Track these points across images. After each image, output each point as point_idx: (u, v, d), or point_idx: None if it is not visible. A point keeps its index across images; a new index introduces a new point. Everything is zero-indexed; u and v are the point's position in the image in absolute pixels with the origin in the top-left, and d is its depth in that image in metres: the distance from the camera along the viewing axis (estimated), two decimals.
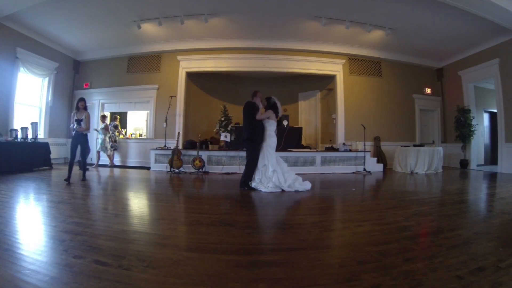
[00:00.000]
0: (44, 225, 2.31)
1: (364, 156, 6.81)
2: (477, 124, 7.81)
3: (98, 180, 5.36)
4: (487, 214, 3.02)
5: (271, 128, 4.29)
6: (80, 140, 4.83)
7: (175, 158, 6.37)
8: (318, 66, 7.97)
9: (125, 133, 8.50)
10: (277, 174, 4.09)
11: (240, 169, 6.32)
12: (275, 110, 4.31)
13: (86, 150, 5.08)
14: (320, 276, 1.46)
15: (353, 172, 6.69)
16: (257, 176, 4.18)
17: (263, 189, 3.99)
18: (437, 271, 1.50)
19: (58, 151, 7.76)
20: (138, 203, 3.44)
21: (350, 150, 7.12)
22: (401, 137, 8.25)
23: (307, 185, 4.26)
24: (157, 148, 7.02)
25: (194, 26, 6.83)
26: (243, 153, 6.40)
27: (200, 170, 6.38)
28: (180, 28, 6.81)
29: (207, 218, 2.66)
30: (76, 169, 5.43)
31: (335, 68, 8.01)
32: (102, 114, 7.83)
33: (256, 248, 1.87)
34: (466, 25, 6.27)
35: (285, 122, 7.52)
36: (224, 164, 6.53)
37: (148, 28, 6.86)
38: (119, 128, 7.94)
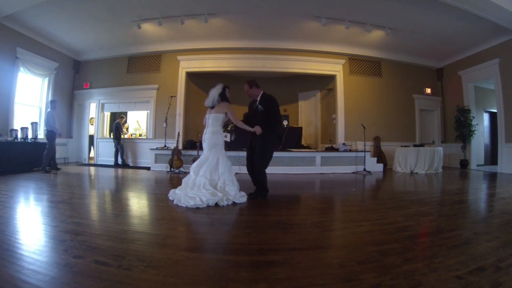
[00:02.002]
0: (44, 225, 2.31)
1: (364, 156, 6.81)
2: (477, 124, 7.82)
3: (98, 180, 5.36)
4: (487, 214, 3.02)
5: (216, 123, 3.47)
6: None
7: (175, 158, 6.37)
8: (318, 66, 7.97)
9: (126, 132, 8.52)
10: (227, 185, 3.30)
11: (240, 169, 6.32)
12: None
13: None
14: (320, 276, 1.46)
15: (353, 172, 6.69)
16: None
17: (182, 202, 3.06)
18: (437, 271, 1.50)
19: (58, 151, 7.74)
20: (138, 203, 3.44)
21: (350, 150, 7.12)
22: (401, 137, 8.25)
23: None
24: (157, 148, 7.02)
25: (194, 26, 6.83)
26: (243, 153, 6.41)
27: None
28: (180, 28, 6.81)
29: (207, 218, 2.66)
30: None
31: (335, 68, 8.01)
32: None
33: (256, 248, 1.87)
34: (466, 25, 6.27)
35: (285, 122, 7.52)
36: None
37: (148, 28, 6.85)
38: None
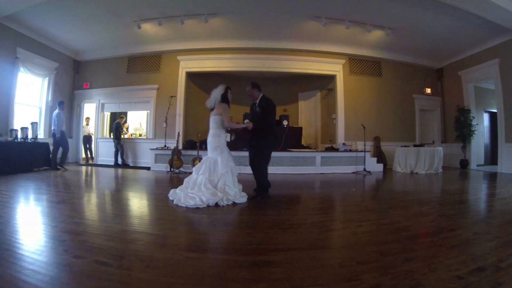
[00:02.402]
0: (44, 225, 2.31)
1: (364, 156, 6.81)
2: (477, 124, 7.81)
3: (98, 180, 5.36)
4: (487, 214, 3.02)
5: (215, 125, 3.47)
6: None
7: (175, 158, 6.37)
8: (318, 66, 7.96)
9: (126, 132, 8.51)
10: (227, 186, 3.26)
11: (241, 169, 6.31)
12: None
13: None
14: (320, 276, 1.46)
15: (353, 172, 6.69)
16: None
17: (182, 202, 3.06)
18: (437, 271, 1.50)
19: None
20: (138, 203, 3.44)
21: (350, 150, 7.12)
22: (401, 137, 8.24)
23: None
24: (157, 148, 7.02)
25: (194, 26, 6.83)
26: (244, 153, 6.41)
27: None
28: (180, 28, 6.81)
29: (207, 218, 2.66)
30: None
31: (335, 68, 8.01)
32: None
33: (256, 248, 1.87)
34: (466, 25, 6.27)
35: (285, 122, 7.52)
36: None
37: (148, 28, 6.85)
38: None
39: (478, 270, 1.50)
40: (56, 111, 6.57)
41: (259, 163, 3.53)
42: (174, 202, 3.14)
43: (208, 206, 2.99)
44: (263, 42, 7.61)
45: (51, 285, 1.30)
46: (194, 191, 3.15)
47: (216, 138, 3.43)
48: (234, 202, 3.18)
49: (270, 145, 3.65)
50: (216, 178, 3.29)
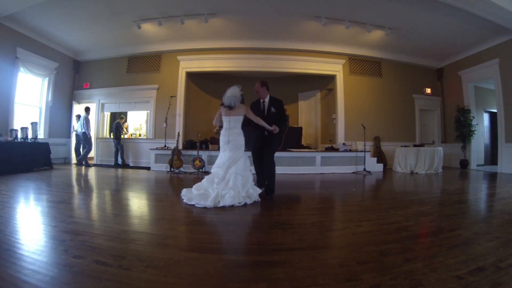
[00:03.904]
0: (44, 225, 2.31)
1: (364, 156, 6.81)
2: (477, 124, 7.81)
3: (98, 180, 5.36)
4: (487, 214, 3.03)
5: (238, 125, 3.59)
6: None
7: (175, 158, 6.37)
8: (318, 66, 7.96)
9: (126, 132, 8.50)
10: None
11: None
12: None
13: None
14: (320, 276, 1.46)
15: (353, 172, 6.69)
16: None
17: (202, 202, 3.06)
18: (437, 271, 1.50)
19: (58, 151, 7.76)
20: (138, 203, 3.44)
21: (350, 150, 7.12)
22: (401, 137, 8.24)
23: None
24: (157, 148, 7.02)
25: (194, 26, 6.83)
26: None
27: (200, 170, 6.38)
28: (180, 28, 6.81)
29: (208, 218, 2.66)
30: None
31: (335, 68, 8.01)
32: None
33: (256, 248, 1.87)
34: (466, 25, 6.27)
35: None
36: None
37: (148, 28, 6.85)
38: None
39: (478, 270, 1.50)
40: (85, 115, 7.36)
41: (272, 161, 3.67)
42: (185, 201, 3.17)
43: (216, 207, 2.98)
44: (263, 42, 7.61)
45: (51, 285, 1.30)
46: (220, 186, 3.19)
47: (240, 137, 3.54)
48: (245, 203, 3.19)
49: (279, 141, 3.91)
50: (247, 176, 3.39)
